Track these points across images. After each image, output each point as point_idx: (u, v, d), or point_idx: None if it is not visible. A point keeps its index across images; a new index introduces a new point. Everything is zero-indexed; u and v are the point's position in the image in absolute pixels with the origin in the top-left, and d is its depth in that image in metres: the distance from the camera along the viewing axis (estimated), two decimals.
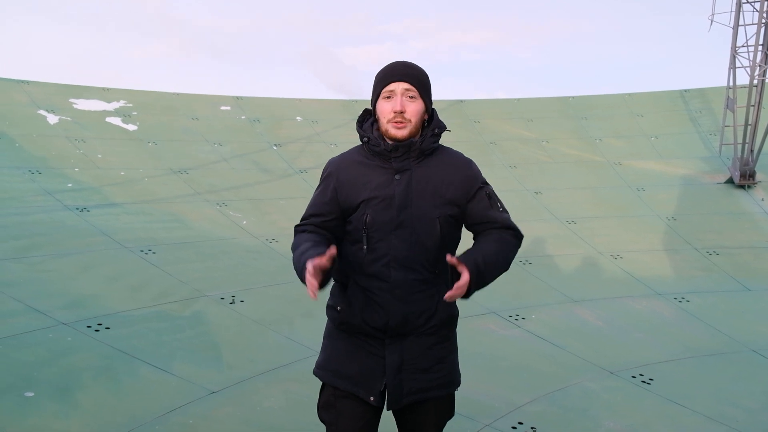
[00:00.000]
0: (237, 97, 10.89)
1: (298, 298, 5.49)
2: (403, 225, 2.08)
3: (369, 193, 2.09)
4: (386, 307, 2.10)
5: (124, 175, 8.02)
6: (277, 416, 3.60)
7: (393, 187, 2.09)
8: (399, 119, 2.08)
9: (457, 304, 2.23)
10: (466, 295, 2.02)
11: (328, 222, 2.16)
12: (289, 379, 4.06)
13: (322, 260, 1.89)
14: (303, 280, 1.95)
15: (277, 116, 10.67)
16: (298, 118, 10.76)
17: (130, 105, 9.86)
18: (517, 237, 2.20)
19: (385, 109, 2.10)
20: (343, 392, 2.16)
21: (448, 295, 1.97)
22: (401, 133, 2.08)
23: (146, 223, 6.85)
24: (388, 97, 2.10)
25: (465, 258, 2.02)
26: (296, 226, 2.23)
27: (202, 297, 5.28)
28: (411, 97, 2.09)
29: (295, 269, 2.06)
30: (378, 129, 2.14)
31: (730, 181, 9.47)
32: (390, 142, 2.11)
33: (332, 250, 1.91)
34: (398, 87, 2.08)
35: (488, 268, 2.05)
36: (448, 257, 1.98)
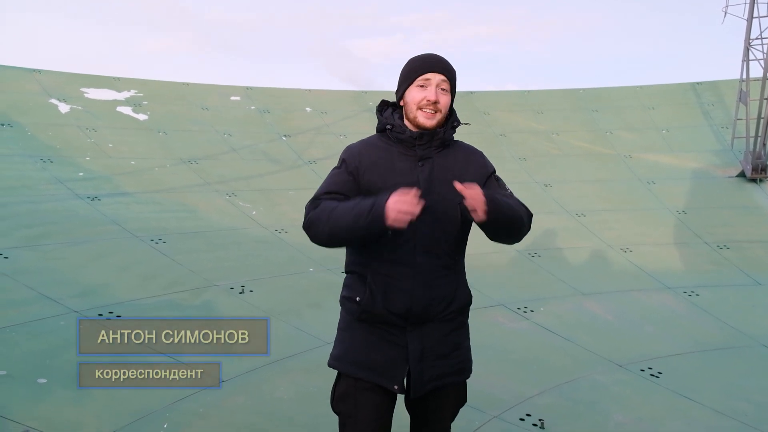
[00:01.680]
0: (247, 88, 10.89)
1: (307, 289, 5.52)
2: (426, 211, 2.10)
3: (393, 179, 2.12)
4: (410, 292, 2.12)
5: (135, 164, 8.05)
6: (287, 406, 3.62)
7: (416, 174, 2.14)
8: (431, 108, 2.14)
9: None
10: (486, 217, 1.97)
11: (344, 199, 2.13)
12: (298, 370, 4.08)
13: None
14: (375, 218, 1.94)
15: (286, 107, 10.67)
16: (308, 108, 10.75)
17: (141, 95, 9.88)
18: (527, 214, 2.19)
19: (416, 97, 2.15)
20: (365, 383, 2.17)
21: (461, 187, 1.94)
22: (431, 122, 2.15)
23: (156, 213, 6.88)
24: (422, 86, 2.15)
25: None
26: (310, 202, 2.16)
27: (212, 287, 5.31)
28: (443, 89, 2.16)
29: (357, 222, 1.98)
30: (400, 117, 2.19)
31: (742, 174, 9.39)
32: (415, 130, 2.16)
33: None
34: (435, 78, 2.15)
35: (503, 206, 2.03)
36: (455, 183, 1.96)
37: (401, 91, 2.21)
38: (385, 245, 2.14)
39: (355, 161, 2.16)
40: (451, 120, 2.22)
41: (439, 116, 2.15)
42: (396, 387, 2.15)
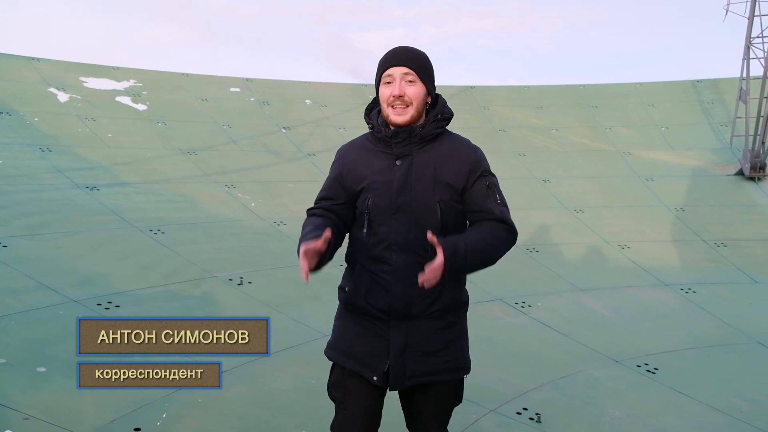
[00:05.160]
0: (247, 79, 10.87)
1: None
2: (402, 209, 2.12)
3: (370, 178, 2.15)
4: (390, 289, 2.13)
5: (134, 154, 8.04)
6: (285, 397, 3.64)
7: (393, 172, 2.14)
8: (399, 103, 2.11)
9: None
10: (441, 279, 1.98)
11: (336, 206, 2.23)
12: (297, 361, 4.09)
13: (317, 243, 1.96)
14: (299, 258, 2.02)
15: (286, 99, 10.65)
16: (308, 101, 10.73)
17: (140, 85, 9.86)
18: (510, 232, 2.15)
19: (384, 94, 2.14)
20: (350, 371, 2.20)
21: (421, 279, 1.96)
22: (402, 118, 2.11)
23: (155, 203, 6.88)
24: (388, 83, 2.13)
25: (445, 240, 1.99)
26: (308, 210, 2.30)
27: (211, 278, 5.31)
28: (410, 81, 2.12)
29: (297, 251, 2.09)
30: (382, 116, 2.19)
31: (741, 173, 9.42)
32: (391, 128, 2.15)
33: (327, 233, 1.97)
34: (396, 72, 2.12)
35: (469, 255, 2.01)
36: (429, 234, 1.97)
37: (376, 91, 2.21)
38: (365, 242, 2.16)
39: (339, 165, 2.24)
40: (434, 112, 2.16)
41: (410, 110, 2.11)
42: (375, 378, 2.16)
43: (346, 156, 2.23)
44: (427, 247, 2.10)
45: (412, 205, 2.11)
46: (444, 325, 2.18)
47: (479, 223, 2.15)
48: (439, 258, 1.94)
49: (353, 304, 2.19)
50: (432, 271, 1.94)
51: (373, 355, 2.17)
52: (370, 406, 2.22)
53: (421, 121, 2.16)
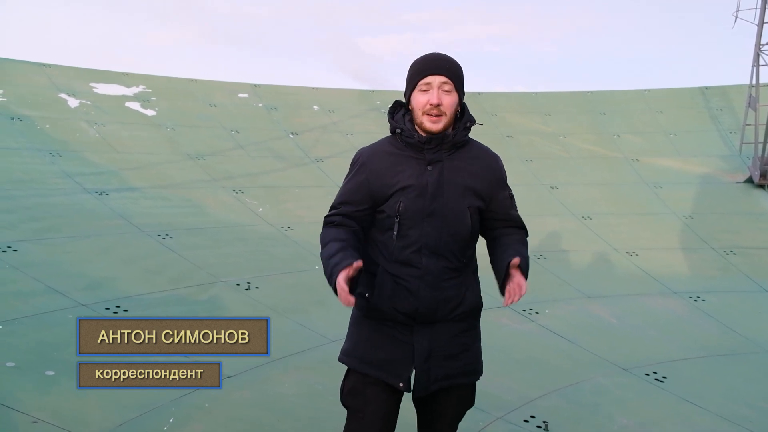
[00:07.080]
0: (254, 85, 10.92)
1: (313, 286, 5.53)
2: (434, 214, 2.14)
3: (402, 182, 2.15)
4: (416, 293, 2.14)
5: (142, 159, 8.08)
6: (291, 402, 3.63)
7: (425, 177, 2.15)
8: (435, 112, 2.12)
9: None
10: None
11: (357, 212, 2.21)
12: (303, 367, 4.09)
13: (349, 272, 2.00)
14: (331, 284, 2.07)
15: (294, 105, 10.68)
16: (315, 106, 10.76)
17: (149, 90, 9.92)
18: (527, 235, 2.37)
19: (420, 101, 2.14)
20: (371, 379, 2.19)
21: (508, 301, 2.13)
22: (436, 126, 2.14)
23: (163, 208, 6.91)
24: (425, 90, 2.14)
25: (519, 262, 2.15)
26: (326, 216, 2.28)
27: (218, 282, 5.33)
28: (447, 90, 2.14)
29: (324, 272, 2.13)
30: (411, 120, 2.19)
31: (750, 180, 9.35)
32: (423, 134, 2.16)
33: (358, 263, 2.00)
34: (435, 80, 2.13)
35: (527, 269, 2.22)
36: (514, 260, 2.12)
37: (407, 95, 2.21)
38: (393, 246, 2.16)
39: (365, 170, 2.20)
40: (463, 120, 2.20)
41: (444, 119, 2.13)
42: (401, 385, 2.17)
43: (372, 161, 2.20)
44: (456, 252, 2.17)
45: (444, 209, 2.14)
46: (464, 328, 2.23)
47: (508, 234, 2.29)
48: (521, 280, 2.14)
49: (377, 309, 2.17)
50: (520, 294, 2.13)
51: (397, 360, 2.17)
52: (389, 413, 2.22)
53: (451, 128, 2.19)
